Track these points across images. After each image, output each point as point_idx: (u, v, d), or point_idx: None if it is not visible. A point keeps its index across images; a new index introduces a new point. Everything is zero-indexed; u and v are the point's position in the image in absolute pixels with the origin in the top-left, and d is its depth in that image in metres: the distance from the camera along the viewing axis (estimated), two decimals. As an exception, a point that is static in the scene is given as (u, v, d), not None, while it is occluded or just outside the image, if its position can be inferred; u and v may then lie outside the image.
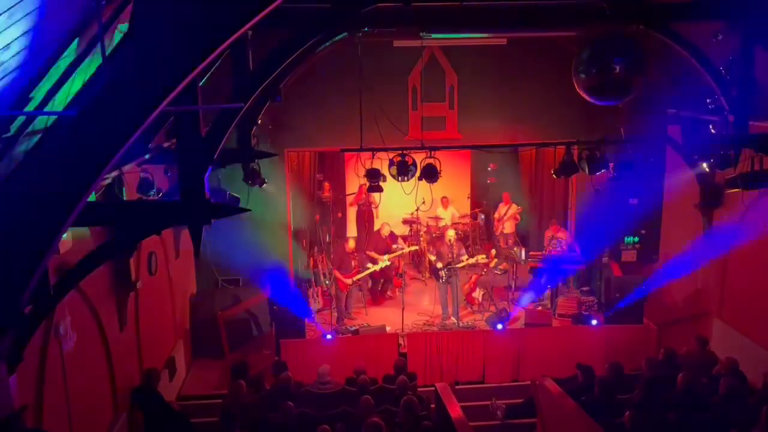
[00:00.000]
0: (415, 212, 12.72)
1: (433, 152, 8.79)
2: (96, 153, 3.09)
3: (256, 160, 9.46)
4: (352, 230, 14.76)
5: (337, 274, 11.00)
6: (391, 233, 12.66)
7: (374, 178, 8.91)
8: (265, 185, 10.09)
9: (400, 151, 8.72)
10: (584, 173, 9.02)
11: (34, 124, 4.63)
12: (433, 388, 8.20)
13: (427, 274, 12.86)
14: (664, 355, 8.10)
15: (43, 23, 3.87)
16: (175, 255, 10.28)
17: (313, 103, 10.95)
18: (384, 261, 11.36)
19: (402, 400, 6.74)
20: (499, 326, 10.37)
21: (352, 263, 11.12)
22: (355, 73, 9.49)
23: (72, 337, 6.33)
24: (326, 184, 14.33)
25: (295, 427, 6.64)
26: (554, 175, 9.60)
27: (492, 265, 12.19)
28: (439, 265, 10.91)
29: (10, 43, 3.76)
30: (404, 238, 13.37)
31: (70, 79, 4.62)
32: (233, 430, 6.58)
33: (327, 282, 12.01)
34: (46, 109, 4.55)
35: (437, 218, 13.72)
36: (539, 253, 11.72)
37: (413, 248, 12.87)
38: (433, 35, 9.61)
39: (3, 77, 3.92)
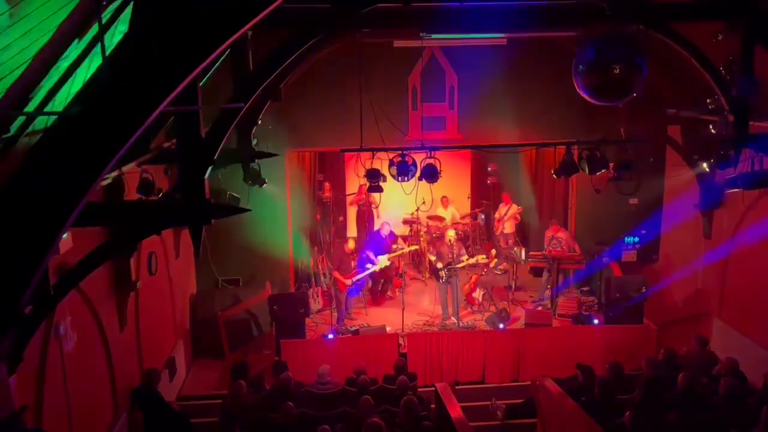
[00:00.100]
0: (415, 212, 12.72)
1: (433, 152, 8.79)
2: (96, 153, 3.09)
3: (256, 161, 9.47)
4: (352, 230, 14.77)
5: (337, 274, 11.00)
6: (391, 233, 12.66)
7: (374, 178, 8.90)
8: (265, 185, 10.10)
9: (400, 152, 8.72)
10: (584, 173, 9.03)
11: (34, 124, 4.64)
12: (433, 389, 8.20)
13: (427, 274, 12.86)
14: (665, 356, 8.10)
15: (43, 23, 3.87)
16: (175, 255, 10.29)
17: (313, 104, 10.95)
18: (383, 261, 11.36)
19: (402, 401, 6.73)
20: (501, 326, 10.39)
21: (352, 264, 11.12)
22: (356, 73, 9.50)
23: (72, 337, 6.33)
24: (327, 185, 14.33)
25: (295, 427, 6.65)
26: (554, 175, 9.61)
27: (492, 265, 12.19)
28: (439, 265, 10.90)
29: (10, 43, 3.77)
30: (404, 238, 13.37)
31: (70, 79, 4.63)
32: (233, 431, 6.58)
33: (326, 282, 12.01)
34: (46, 109, 4.56)
35: (439, 218, 13.72)
36: (539, 253, 11.72)
37: (413, 248, 12.87)
38: (433, 35, 9.63)
39: (3, 77, 3.92)
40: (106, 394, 7.40)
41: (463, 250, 11.34)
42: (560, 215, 12.57)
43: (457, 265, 10.84)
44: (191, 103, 4.81)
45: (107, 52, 3.31)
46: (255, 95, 6.70)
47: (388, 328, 10.57)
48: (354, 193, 14.37)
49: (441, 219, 13.70)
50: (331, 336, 10.22)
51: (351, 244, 11.33)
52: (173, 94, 2.99)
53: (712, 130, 8.46)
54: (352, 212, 14.80)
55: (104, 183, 6.27)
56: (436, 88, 11.35)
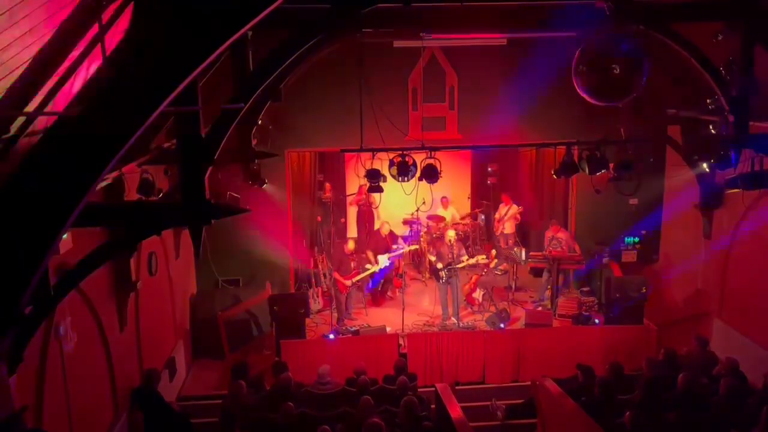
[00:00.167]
0: (416, 213, 12.72)
1: (433, 152, 8.79)
2: (96, 153, 3.09)
3: (256, 161, 9.47)
4: (352, 231, 14.77)
5: (337, 275, 11.00)
6: (391, 232, 12.65)
7: (374, 178, 8.90)
8: (265, 185, 10.10)
9: (401, 152, 8.72)
10: (584, 173, 9.03)
11: (34, 124, 4.64)
12: (433, 389, 8.20)
13: (428, 275, 12.87)
14: (665, 356, 8.10)
15: (43, 23, 3.87)
16: (175, 255, 10.29)
17: (313, 104, 10.94)
18: (383, 262, 11.35)
19: (402, 401, 6.73)
20: (501, 326, 10.39)
21: (352, 264, 11.12)
22: (356, 73, 9.50)
23: (72, 337, 6.33)
24: (328, 185, 14.33)
25: (295, 427, 6.64)
26: (554, 176, 9.60)
27: (492, 265, 12.19)
28: (440, 265, 10.90)
29: (11, 43, 3.77)
30: (404, 239, 13.37)
31: (70, 79, 4.63)
32: (233, 431, 6.58)
33: (326, 283, 12.00)
34: (46, 109, 4.56)
35: (439, 218, 13.72)
36: (539, 253, 11.72)
37: (413, 247, 12.86)
38: (433, 35, 9.63)
39: (3, 77, 3.92)
40: (106, 395, 7.40)
41: (463, 251, 11.34)
42: (560, 215, 12.57)
43: (457, 266, 10.84)
44: (191, 103, 4.81)
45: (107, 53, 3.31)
46: (255, 95, 6.70)
47: (388, 329, 10.57)
48: (354, 194, 14.37)
49: (441, 219, 13.70)
50: (331, 336, 10.22)
51: (351, 245, 11.33)
52: (173, 95, 2.99)
53: (712, 130, 8.46)
54: (352, 212, 14.80)
55: (104, 183, 6.27)
56: (436, 89, 11.34)
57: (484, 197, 14.81)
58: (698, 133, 9.64)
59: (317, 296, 12.03)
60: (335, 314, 11.05)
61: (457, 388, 9.17)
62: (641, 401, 6.73)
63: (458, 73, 11.32)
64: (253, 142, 9.18)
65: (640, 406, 6.50)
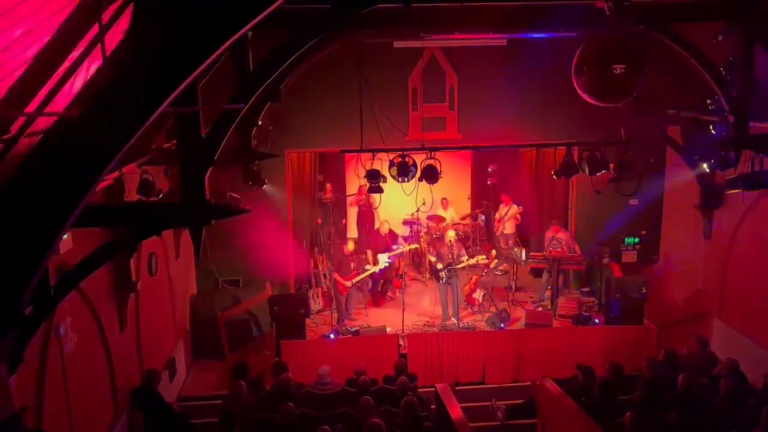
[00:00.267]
0: (416, 213, 12.72)
1: (433, 153, 8.79)
2: (96, 153, 3.09)
3: (256, 161, 9.47)
4: (352, 231, 14.77)
5: (337, 276, 11.00)
6: (390, 231, 12.65)
7: (374, 179, 8.90)
8: (265, 186, 10.10)
9: (401, 152, 8.72)
10: (584, 174, 9.03)
11: (34, 125, 4.64)
12: (433, 389, 8.20)
13: (428, 275, 12.86)
14: (665, 356, 8.10)
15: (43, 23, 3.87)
16: (175, 256, 10.29)
17: (313, 104, 10.94)
18: (382, 262, 11.34)
19: (402, 401, 6.73)
20: (501, 326, 10.39)
21: (351, 265, 11.12)
22: (356, 73, 9.49)
23: (72, 337, 6.33)
24: (328, 185, 14.33)
25: (295, 427, 6.64)
26: (554, 176, 9.61)
27: (492, 265, 12.19)
28: (440, 266, 10.90)
29: (11, 43, 3.77)
30: (405, 239, 13.37)
31: (70, 79, 4.63)
32: (233, 431, 6.58)
33: (326, 283, 12.00)
34: (46, 109, 4.56)
35: (439, 218, 13.72)
36: (540, 254, 11.72)
37: (413, 246, 12.86)
38: (433, 36, 9.63)
39: (3, 77, 3.92)
40: (106, 395, 7.40)
41: (463, 251, 11.34)
42: (560, 216, 12.57)
43: (457, 266, 10.84)
44: (191, 103, 4.81)
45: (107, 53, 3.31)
46: (255, 96, 6.70)
47: (388, 329, 10.57)
48: (354, 194, 14.37)
49: (441, 219, 13.70)
50: (331, 336, 10.22)
51: (350, 246, 11.33)
52: (173, 95, 2.99)
53: (712, 131, 8.46)
54: (352, 213, 14.80)
55: (104, 184, 6.27)
56: (436, 89, 11.35)
57: (484, 197, 14.81)
58: (698, 133, 9.65)
59: (317, 296, 12.03)
60: (335, 314, 11.05)
61: (457, 388, 9.17)
62: (641, 401, 6.73)
63: (458, 74, 11.33)
64: (253, 143, 9.18)
65: (640, 407, 6.50)
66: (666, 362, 7.98)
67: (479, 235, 14.39)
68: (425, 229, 13.52)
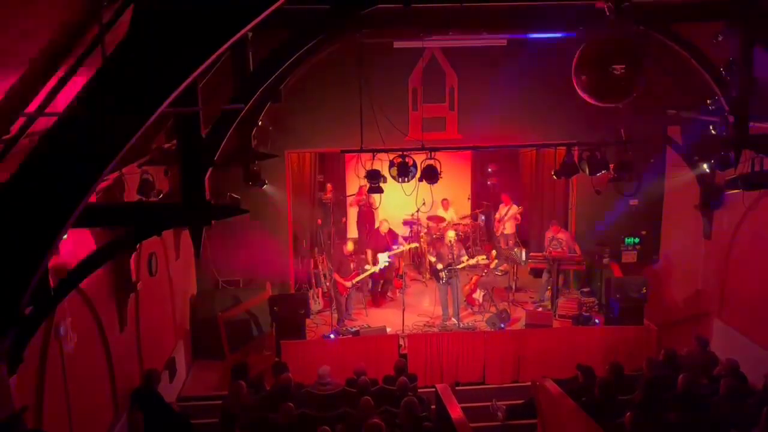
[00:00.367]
0: (416, 213, 12.72)
1: (433, 153, 8.79)
2: (96, 154, 3.09)
3: (256, 162, 9.47)
4: (352, 231, 14.77)
5: (337, 277, 11.00)
6: (390, 230, 12.65)
7: (374, 179, 8.90)
8: (265, 186, 10.09)
9: (401, 152, 8.72)
10: (584, 174, 9.02)
11: (34, 125, 4.64)
12: (433, 389, 8.20)
13: (428, 275, 12.86)
14: (665, 356, 8.10)
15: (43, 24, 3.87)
16: (175, 256, 10.29)
17: (313, 104, 10.94)
18: (382, 262, 11.34)
19: (402, 401, 6.73)
20: (501, 326, 10.39)
21: (351, 266, 11.12)
22: (356, 74, 9.49)
23: (72, 337, 6.33)
24: (329, 186, 14.34)
25: (295, 427, 6.64)
26: (555, 176, 9.61)
27: (492, 266, 12.19)
28: (440, 266, 10.90)
29: (11, 43, 3.77)
30: (405, 239, 13.37)
31: (70, 79, 4.63)
32: (233, 431, 6.58)
33: (326, 284, 12.00)
34: (46, 109, 4.55)
35: (439, 218, 13.72)
36: (540, 254, 11.72)
37: (413, 245, 12.87)
38: (433, 36, 9.63)
39: (3, 77, 3.92)
40: (106, 395, 7.40)
41: (463, 251, 11.34)
42: (560, 216, 12.58)
43: (458, 266, 10.84)
44: (191, 104, 4.81)
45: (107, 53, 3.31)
46: (255, 96, 6.70)
47: (388, 329, 10.57)
48: (354, 194, 14.37)
49: (441, 220, 13.70)
50: (331, 337, 10.22)
51: (350, 246, 11.33)
52: (173, 95, 2.99)
53: (712, 131, 8.46)
54: (352, 213, 14.80)
55: (104, 184, 6.27)
56: (437, 89, 11.35)
57: (484, 197, 14.81)
58: (698, 133, 9.65)
59: (317, 297, 12.03)
60: (335, 315, 11.05)
61: (457, 388, 9.17)
62: (641, 402, 6.73)
63: (458, 74, 11.32)
64: (253, 143, 9.18)
65: (640, 407, 6.50)
66: (666, 362, 7.98)
67: (479, 235, 14.39)
68: (425, 230, 13.52)
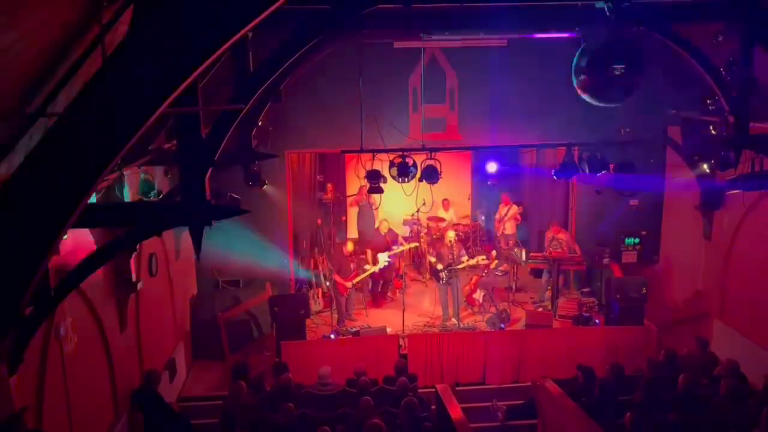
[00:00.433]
0: (416, 213, 12.72)
1: (433, 153, 8.79)
2: (96, 154, 3.09)
3: (256, 162, 9.47)
4: (352, 231, 14.77)
5: (337, 278, 11.00)
6: (390, 230, 12.65)
7: (375, 179, 8.90)
8: (265, 186, 10.09)
9: (401, 153, 8.72)
10: (585, 174, 9.02)
11: (35, 125, 4.64)
12: (433, 390, 8.20)
13: (428, 276, 12.86)
14: (665, 356, 8.10)
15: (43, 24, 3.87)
16: (175, 256, 10.28)
17: (313, 105, 10.93)
18: (382, 261, 11.34)
19: (402, 402, 6.74)
20: (502, 326, 10.39)
21: (351, 266, 11.11)
22: (356, 74, 9.49)
23: (72, 338, 6.33)
24: (329, 186, 14.34)
25: (295, 428, 6.64)
26: (555, 176, 9.60)
27: (492, 266, 12.18)
28: (440, 266, 10.90)
29: (11, 44, 3.77)
30: (405, 239, 13.38)
31: (71, 80, 4.63)
32: (233, 432, 6.58)
33: (327, 284, 12.00)
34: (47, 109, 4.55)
35: (439, 219, 13.72)
36: (540, 254, 11.72)
37: (413, 245, 12.86)
38: (434, 36, 9.62)
39: (3, 77, 3.92)
40: (107, 395, 7.40)
41: (463, 251, 11.34)
42: (560, 216, 12.57)
43: (458, 267, 10.84)
44: (191, 103, 4.81)
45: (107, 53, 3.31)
46: (255, 96, 6.71)
47: (388, 330, 10.57)
48: (354, 195, 14.37)
49: (441, 220, 13.71)
50: (331, 337, 10.21)
51: (350, 246, 11.33)
52: (174, 95, 3.00)
53: (713, 131, 8.46)
54: (353, 213, 14.80)
55: (104, 184, 6.27)
56: (437, 90, 11.34)
57: (484, 198, 14.80)
58: (698, 133, 9.65)
59: (317, 297, 12.02)
60: (335, 315, 11.05)
61: (457, 388, 9.16)
62: (642, 402, 6.73)
63: (458, 74, 11.32)
64: (253, 143, 9.18)
65: (640, 407, 6.50)
66: (666, 363, 7.97)
67: (479, 235, 14.39)
68: (425, 230, 13.51)
